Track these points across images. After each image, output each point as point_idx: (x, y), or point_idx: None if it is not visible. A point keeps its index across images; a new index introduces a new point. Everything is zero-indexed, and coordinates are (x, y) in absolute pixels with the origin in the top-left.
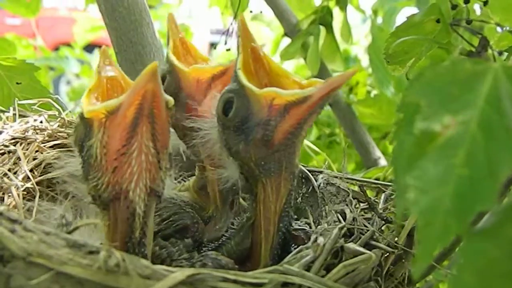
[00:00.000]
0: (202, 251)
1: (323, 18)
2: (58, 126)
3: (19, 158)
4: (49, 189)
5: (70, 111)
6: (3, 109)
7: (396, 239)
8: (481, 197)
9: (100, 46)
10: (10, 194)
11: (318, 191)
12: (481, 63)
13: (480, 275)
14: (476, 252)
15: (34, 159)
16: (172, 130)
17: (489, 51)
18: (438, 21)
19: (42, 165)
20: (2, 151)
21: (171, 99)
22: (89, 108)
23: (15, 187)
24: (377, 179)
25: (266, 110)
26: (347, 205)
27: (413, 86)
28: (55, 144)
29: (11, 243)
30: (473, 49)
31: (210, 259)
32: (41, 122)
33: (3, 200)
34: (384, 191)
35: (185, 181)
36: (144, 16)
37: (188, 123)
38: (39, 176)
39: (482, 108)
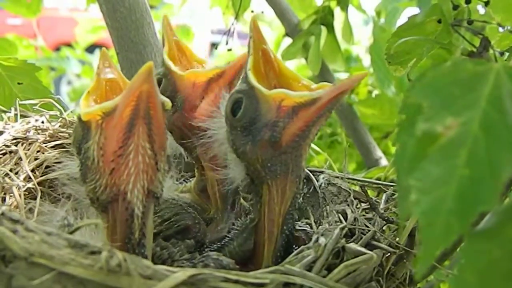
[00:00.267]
0: (204, 252)
1: (324, 18)
2: (60, 126)
3: (20, 158)
4: (50, 189)
5: (71, 111)
6: (5, 109)
7: (397, 239)
8: (483, 197)
9: (101, 47)
10: (11, 194)
11: (319, 191)
12: (482, 63)
13: (481, 275)
14: (478, 252)
15: (36, 159)
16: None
17: (491, 51)
18: (439, 21)
19: (44, 165)
20: (4, 151)
21: (167, 101)
22: (86, 111)
23: (16, 187)
24: (378, 179)
25: (275, 111)
26: (348, 205)
27: (415, 87)
28: (56, 144)
29: (13, 243)
30: (475, 50)
31: (212, 260)
32: (42, 122)
33: (4, 200)
34: (385, 191)
35: (186, 182)
36: (145, 16)
37: (196, 123)
38: (41, 176)
39: (483, 108)
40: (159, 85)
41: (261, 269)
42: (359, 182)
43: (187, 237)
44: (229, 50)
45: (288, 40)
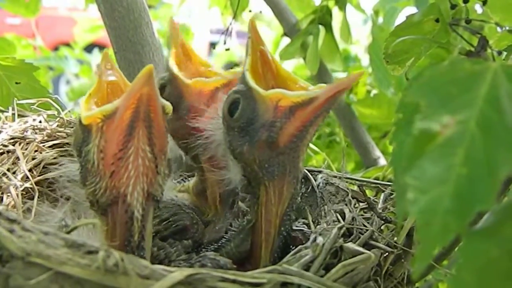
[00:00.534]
0: (201, 252)
1: (323, 17)
2: (57, 125)
3: (18, 158)
4: (48, 189)
5: (69, 111)
6: (2, 108)
7: (395, 238)
8: (480, 196)
9: (100, 46)
10: (9, 194)
11: (317, 191)
12: (480, 62)
13: (479, 274)
14: (476, 252)
15: (33, 158)
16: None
17: (489, 50)
18: (437, 20)
19: (41, 165)
20: (1, 150)
21: (168, 104)
22: (86, 114)
23: (14, 187)
24: (376, 178)
25: (272, 112)
26: (346, 204)
27: (412, 86)
28: (54, 144)
29: (9, 243)
30: (473, 49)
31: (209, 260)
32: (40, 121)
33: (2, 200)
34: (383, 191)
35: (184, 181)
36: (143, 16)
37: (193, 123)
38: (38, 176)
39: (481, 107)
40: (163, 90)
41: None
42: (357, 182)
43: (185, 237)
44: (227, 49)
45: (286, 40)
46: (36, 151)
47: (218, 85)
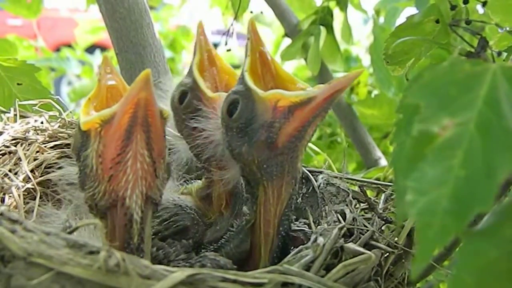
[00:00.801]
0: (200, 252)
1: (324, 18)
2: (59, 126)
3: (19, 159)
4: (50, 189)
5: (70, 112)
6: (4, 109)
7: (396, 239)
8: (479, 198)
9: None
10: (10, 195)
11: (318, 191)
12: (479, 64)
13: (479, 275)
14: (475, 252)
15: (35, 159)
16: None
17: (489, 51)
18: (437, 21)
19: (43, 166)
20: (3, 151)
21: (165, 109)
22: (85, 120)
23: (15, 188)
24: (377, 179)
25: (271, 112)
26: (347, 205)
27: (412, 88)
28: (55, 145)
29: (11, 243)
30: (473, 50)
31: (209, 260)
32: (41, 122)
33: (3, 200)
34: (384, 191)
35: (187, 183)
36: (144, 17)
37: (192, 123)
38: (40, 176)
39: (480, 109)
40: (184, 97)
41: (259, 269)
42: (358, 182)
43: (185, 238)
44: (228, 50)
45: (287, 41)
46: (37, 152)
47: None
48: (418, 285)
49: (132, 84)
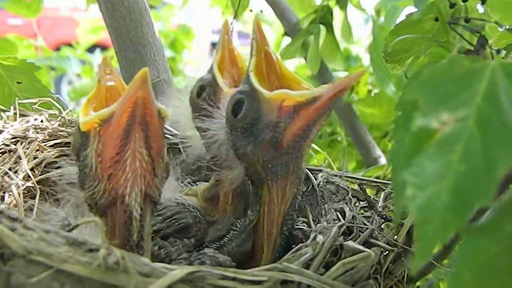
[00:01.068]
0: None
1: (324, 17)
2: (59, 125)
3: (19, 157)
4: (49, 188)
5: (70, 110)
6: (4, 108)
7: (395, 237)
8: (479, 193)
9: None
10: (10, 193)
11: (317, 190)
12: (478, 60)
13: (479, 271)
14: (475, 248)
15: (35, 158)
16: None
17: (488, 49)
18: (436, 19)
19: (43, 164)
20: (3, 150)
21: (163, 108)
22: (84, 120)
23: (15, 186)
24: (377, 177)
25: (276, 112)
26: (346, 203)
27: (411, 84)
28: (55, 143)
29: (11, 241)
30: (472, 48)
31: (208, 257)
32: (41, 121)
33: (3, 198)
34: (383, 190)
35: (191, 185)
36: (144, 16)
37: (196, 123)
38: (40, 175)
39: (479, 105)
40: (202, 91)
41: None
42: (357, 181)
43: (187, 236)
44: None
45: (287, 40)
46: (37, 150)
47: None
48: (417, 283)
49: (130, 83)
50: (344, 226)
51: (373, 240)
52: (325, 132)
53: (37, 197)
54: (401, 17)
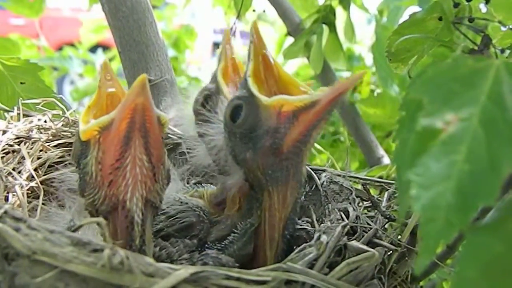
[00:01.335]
0: (204, 251)
1: (326, 17)
2: (62, 125)
3: (23, 157)
4: (53, 188)
5: (73, 111)
6: (7, 108)
7: (399, 237)
8: (483, 192)
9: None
10: (14, 193)
11: (321, 190)
12: (483, 60)
13: (483, 270)
14: (479, 248)
15: (38, 158)
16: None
17: (492, 49)
18: (440, 19)
19: (46, 164)
20: (7, 150)
21: (163, 114)
22: (84, 129)
23: (19, 186)
24: (380, 177)
25: (275, 118)
26: (350, 203)
27: (415, 84)
28: (59, 143)
29: (15, 241)
30: (476, 47)
31: (211, 258)
32: (45, 121)
33: (7, 199)
34: (387, 189)
35: (198, 187)
36: (147, 16)
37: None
38: (43, 175)
39: (484, 104)
40: (208, 100)
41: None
42: (361, 180)
43: (190, 234)
44: None
45: (290, 39)
46: (41, 150)
47: None
48: (421, 283)
49: (129, 90)
50: (348, 226)
51: (377, 240)
52: (328, 132)
53: (41, 197)
54: (404, 17)
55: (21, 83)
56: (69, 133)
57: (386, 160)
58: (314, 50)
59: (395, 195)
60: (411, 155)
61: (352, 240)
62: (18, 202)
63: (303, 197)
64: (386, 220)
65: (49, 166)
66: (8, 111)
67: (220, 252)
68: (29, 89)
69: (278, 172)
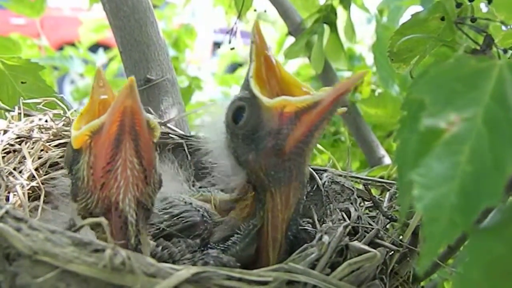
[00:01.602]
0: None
1: (327, 16)
2: (63, 125)
3: (24, 157)
4: (54, 187)
5: (74, 110)
6: (8, 108)
7: (400, 237)
8: (487, 193)
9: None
10: (15, 193)
11: (322, 190)
12: (485, 60)
13: (485, 271)
14: (482, 249)
15: (39, 158)
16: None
17: (494, 49)
18: (442, 19)
19: (47, 164)
20: (8, 150)
21: (152, 119)
22: (75, 134)
23: (20, 186)
24: (381, 177)
25: (277, 119)
26: (351, 203)
27: (418, 84)
28: (60, 143)
29: (17, 241)
30: (478, 47)
31: (212, 258)
32: (46, 121)
33: (8, 199)
34: (388, 190)
35: (203, 191)
36: (148, 15)
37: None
38: (44, 175)
39: (487, 104)
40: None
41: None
42: (362, 181)
43: (193, 234)
44: (232, 49)
45: (291, 39)
46: (42, 150)
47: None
48: (422, 283)
49: (118, 93)
50: (350, 226)
51: (378, 240)
52: (329, 131)
53: (42, 197)
54: (404, 16)
55: (22, 82)
56: (70, 133)
57: (387, 160)
58: (315, 50)
59: (397, 195)
60: (413, 156)
61: (354, 240)
62: (19, 202)
63: (304, 197)
64: (388, 220)
65: (50, 166)
66: (9, 111)
67: (222, 253)
68: (30, 88)
69: (280, 173)
